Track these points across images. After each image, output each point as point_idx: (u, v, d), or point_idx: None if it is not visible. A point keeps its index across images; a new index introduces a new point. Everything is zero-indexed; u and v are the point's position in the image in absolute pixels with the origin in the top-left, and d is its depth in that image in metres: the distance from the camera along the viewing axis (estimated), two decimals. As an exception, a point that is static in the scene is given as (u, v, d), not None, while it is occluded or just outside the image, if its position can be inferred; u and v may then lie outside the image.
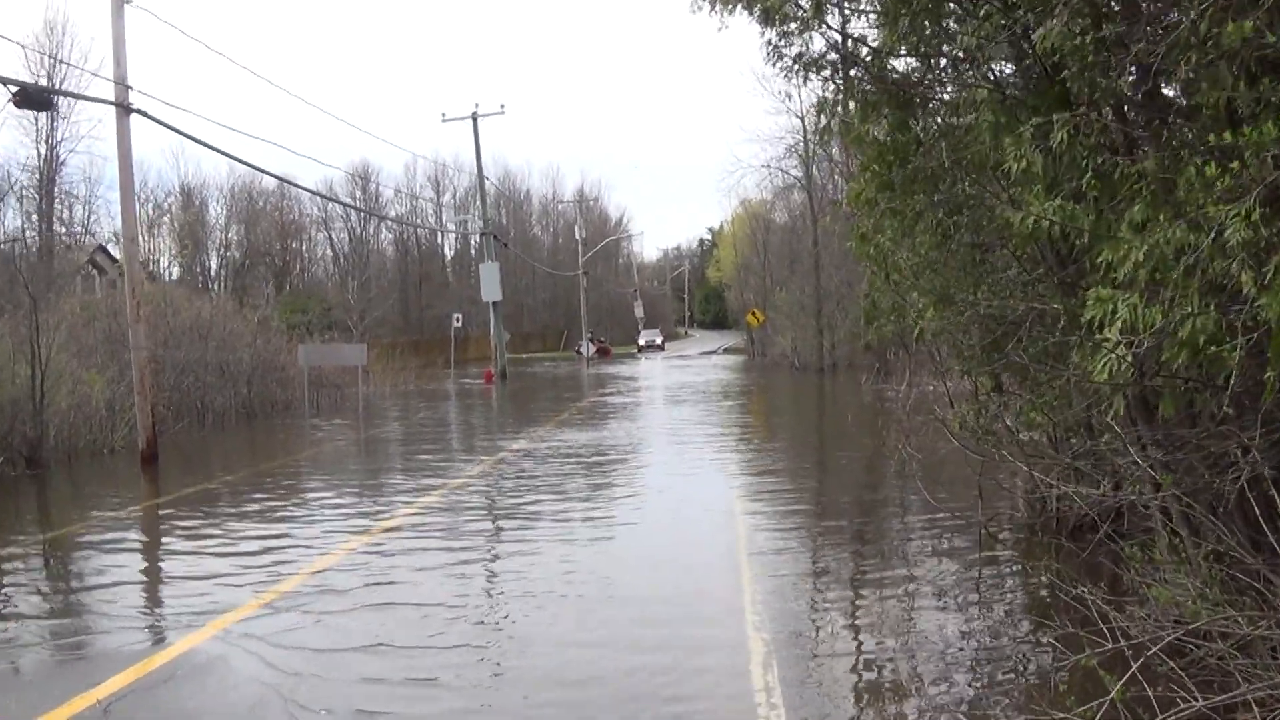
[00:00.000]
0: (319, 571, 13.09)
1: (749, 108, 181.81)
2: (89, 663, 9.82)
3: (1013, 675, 8.71)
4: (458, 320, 63.68)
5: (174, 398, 33.01)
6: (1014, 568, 12.34)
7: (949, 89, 10.90)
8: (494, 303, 62.25)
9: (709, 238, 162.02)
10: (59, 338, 27.63)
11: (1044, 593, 10.77)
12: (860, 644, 9.77)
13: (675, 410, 37.27)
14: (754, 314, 70.81)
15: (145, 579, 13.74)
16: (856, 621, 10.52)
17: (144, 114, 24.82)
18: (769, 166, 62.63)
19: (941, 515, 14.49)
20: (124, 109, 24.45)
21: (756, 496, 18.01)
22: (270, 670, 9.30)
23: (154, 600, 12.54)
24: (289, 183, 71.91)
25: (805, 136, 57.86)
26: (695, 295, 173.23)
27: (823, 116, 12.10)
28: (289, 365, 40.89)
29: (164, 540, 16.41)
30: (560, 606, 11.24)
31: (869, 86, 11.02)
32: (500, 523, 16.64)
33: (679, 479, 20.41)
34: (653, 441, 26.95)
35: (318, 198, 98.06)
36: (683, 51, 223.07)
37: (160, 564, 14.88)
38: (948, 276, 11.68)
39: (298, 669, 9.29)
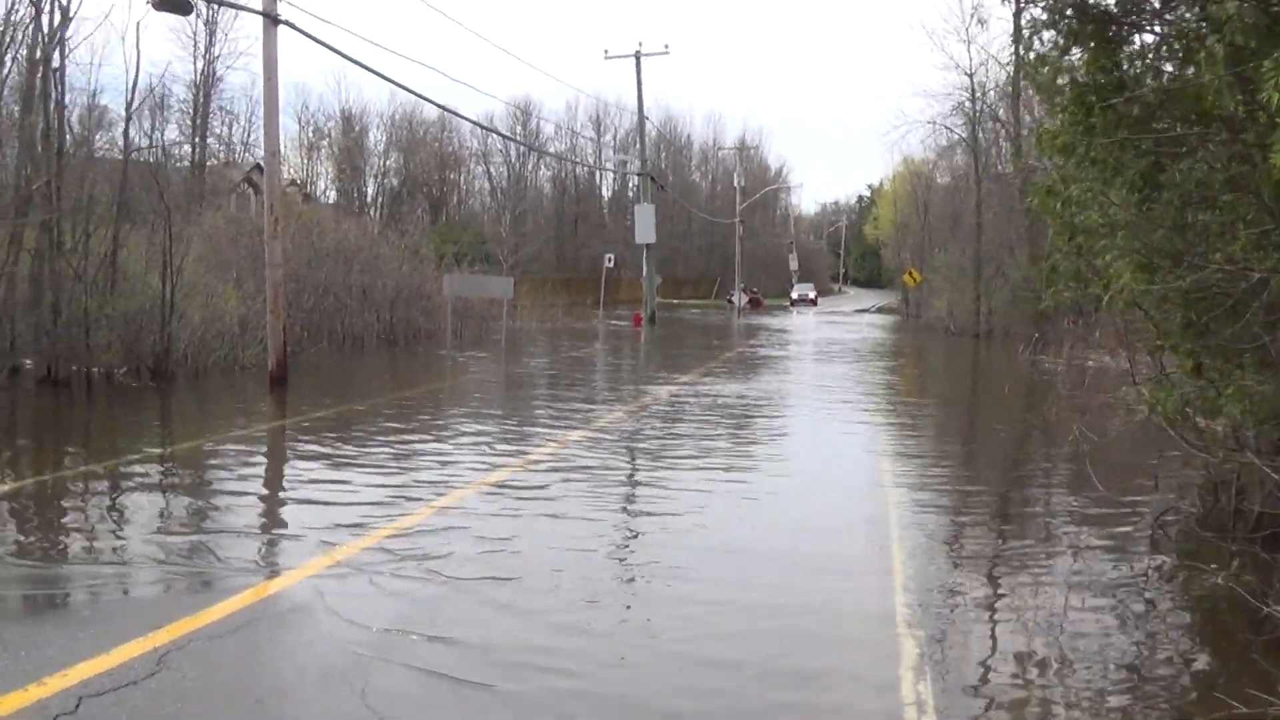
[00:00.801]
0: (443, 510, 11.94)
1: (916, 62, 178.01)
2: (182, 595, 8.90)
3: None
4: (610, 260, 62.46)
5: (312, 319, 32.35)
6: (1191, 570, 10.56)
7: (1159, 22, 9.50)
8: (647, 245, 61.34)
9: (868, 194, 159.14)
10: (196, 250, 26.93)
11: (1224, 605, 9.05)
12: (1013, 643, 8.33)
13: (825, 367, 35.57)
14: (911, 274, 68.70)
15: (258, 505, 12.66)
16: (1012, 616, 9.04)
17: (292, 25, 23.84)
18: (934, 123, 60.30)
19: (1111, 503, 12.75)
20: (271, 19, 23.47)
21: (908, 467, 16.28)
22: (378, 615, 8.34)
23: (264, 529, 11.49)
24: (451, 111, 71.21)
25: (973, 95, 55.58)
26: (851, 252, 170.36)
27: (1020, 49, 10.68)
28: (434, 294, 40.16)
29: (282, 465, 15.58)
30: (699, 562, 10.07)
31: (1070, 14, 9.56)
32: (639, 472, 15.25)
33: (825, 442, 18.89)
34: (801, 398, 25.43)
35: (477, 130, 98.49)
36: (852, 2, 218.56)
37: (277, 483, 14.04)
38: (1151, 238, 10.00)
39: (406, 616, 8.34)
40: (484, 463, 15.05)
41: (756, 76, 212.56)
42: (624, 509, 12.86)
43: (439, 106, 67.96)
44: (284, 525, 11.64)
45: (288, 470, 15.07)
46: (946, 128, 60.20)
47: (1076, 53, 9.96)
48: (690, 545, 10.75)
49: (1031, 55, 10.32)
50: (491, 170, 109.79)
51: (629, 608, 8.80)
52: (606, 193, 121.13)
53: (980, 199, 55.28)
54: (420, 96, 59.79)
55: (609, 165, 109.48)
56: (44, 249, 21.87)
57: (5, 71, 22.48)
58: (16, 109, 23.10)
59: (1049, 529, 12.38)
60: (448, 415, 20.49)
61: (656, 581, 9.52)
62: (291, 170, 79.46)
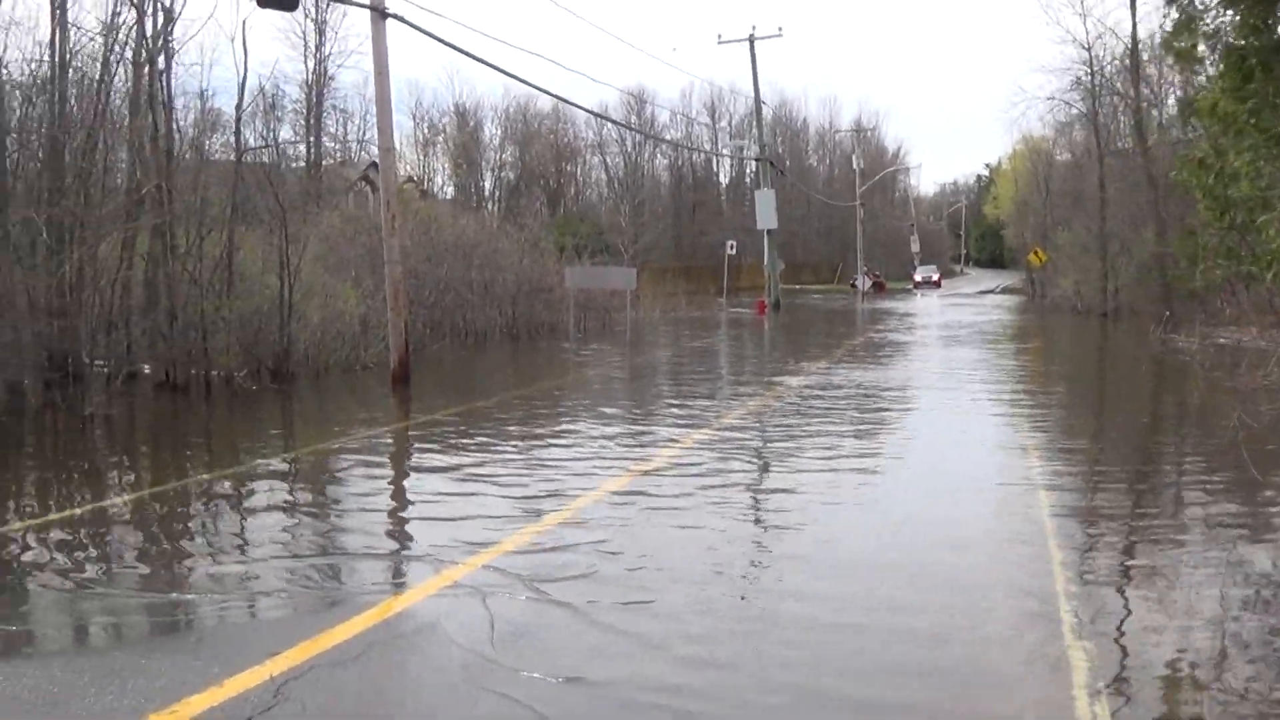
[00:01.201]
0: (570, 521, 10.99)
1: (1033, 37, 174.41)
2: (302, 617, 8.13)
3: None
4: (731, 247, 61.72)
5: (433, 315, 31.78)
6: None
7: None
8: (768, 231, 60.36)
9: (986, 174, 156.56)
10: (313, 250, 26.43)
11: None
12: (1176, 645, 7.43)
13: (955, 351, 34.09)
14: (1036, 253, 67.03)
15: (381, 518, 11.79)
16: (1173, 619, 8.01)
17: (400, 19, 23.11)
18: (1054, 99, 58.51)
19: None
20: (379, 13, 22.77)
21: (1055, 465, 14.78)
22: (506, 644, 7.40)
23: (387, 544, 10.59)
24: (566, 101, 70.82)
25: (1091, 69, 54.01)
26: (971, 232, 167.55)
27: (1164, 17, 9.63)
28: (556, 287, 39.42)
29: (408, 468, 14.87)
30: (839, 582, 8.99)
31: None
32: (768, 477, 14.22)
33: (962, 435, 17.34)
34: (933, 386, 24.07)
35: (592, 121, 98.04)
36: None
37: (400, 494, 13.16)
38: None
39: (532, 642, 7.41)
40: (610, 466, 14.03)
41: (871, 57, 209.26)
42: (754, 519, 11.64)
43: (553, 96, 67.87)
44: (407, 539, 10.77)
45: (410, 478, 14.25)
46: (1065, 103, 58.73)
47: (1227, 14, 8.97)
48: (826, 561, 9.64)
49: (1168, 21, 9.36)
50: (608, 160, 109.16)
51: (767, 635, 7.74)
52: (724, 179, 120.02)
53: (1103, 175, 53.73)
54: (534, 86, 58.86)
55: (725, 151, 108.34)
56: (157, 253, 21.41)
57: (111, 75, 22.08)
58: (125, 113, 22.75)
59: (1203, 522, 11.10)
60: (572, 413, 19.58)
61: (795, 603, 8.40)
62: (407, 167, 79.55)
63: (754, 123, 65.57)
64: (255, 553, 9.87)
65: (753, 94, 62.19)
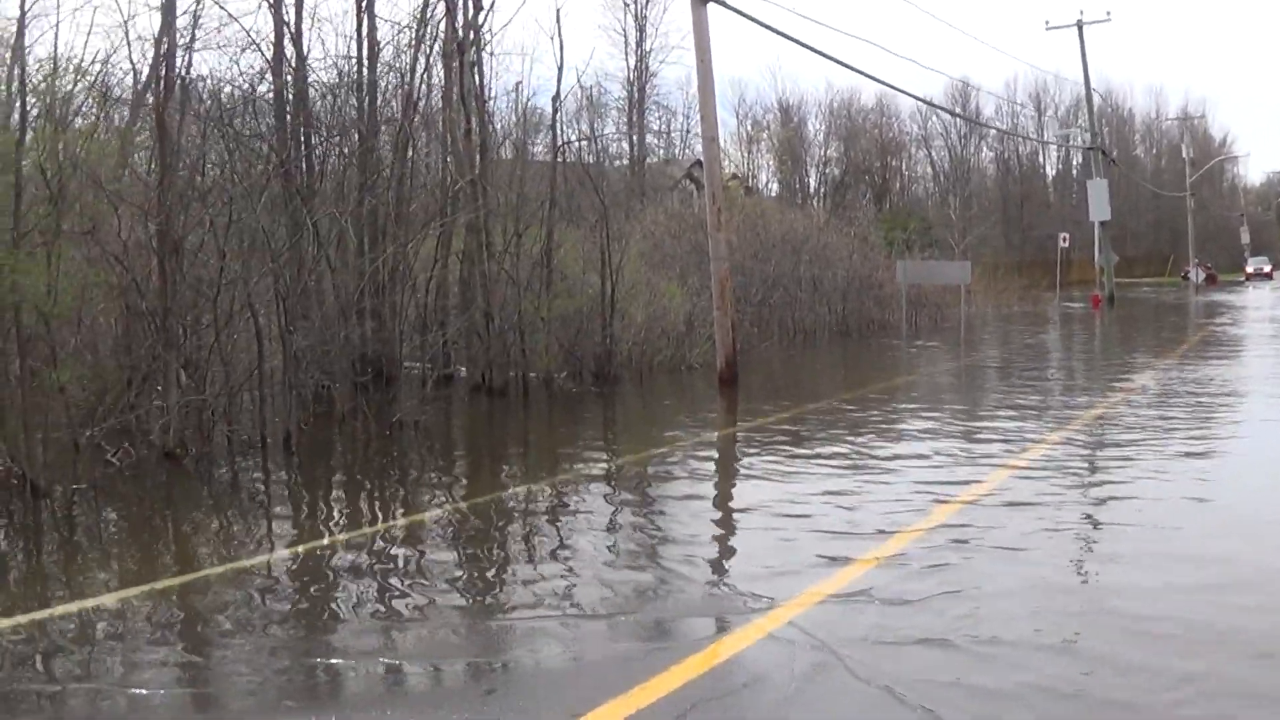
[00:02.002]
0: (919, 539, 9.05)
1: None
2: (637, 648, 6.78)
3: None
4: (1064, 240, 58.42)
5: (760, 313, 30.11)
6: None
7: None
8: (1101, 223, 57.49)
9: None
10: (636, 246, 25.09)
11: None
12: None
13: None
14: None
15: (706, 539, 10.02)
16: None
17: (721, 3, 21.58)
18: None
19: None
20: (698, -2, 21.36)
21: None
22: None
23: (712, 570, 8.81)
24: (892, 86, 68.48)
25: None
26: None
27: None
28: (886, 283, 37.52)
29: (740, 478, 13.16)
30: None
31: None
32: (1127, 485, 11.70)
33: None
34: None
35: (917, 115, 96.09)
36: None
37: (733, 508, 11.41)
38: None
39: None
40: (954, 479, 11.90)
41: (1197, 44, 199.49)
42: (1129, 543, 9.35)
43: (880, 81, 65.28)
44: (731, 563, 9.06)
45: (736, 494, 12.35)
46: None
47: None
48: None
49: None
50: (933, 155, 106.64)
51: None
52: (1050, 171, 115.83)
53: None
54: (859, 71, 56.25)
55: (1058, 140, 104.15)
56: (473, 251, 20.26)
57: (421, 68, 21.15)
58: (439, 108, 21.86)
59: None
60: (908, 417, 17.25)
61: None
62: (732, 164, 78.26)
63: (1081, 112, 62.43)
64: (570, 574, 8.41)
65: (1081, 82, 59.62)
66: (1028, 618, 6.99)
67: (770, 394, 21.21)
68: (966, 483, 11.45)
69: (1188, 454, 13.21)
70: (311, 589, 8.26)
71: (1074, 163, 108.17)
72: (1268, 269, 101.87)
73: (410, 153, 21.13)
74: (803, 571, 8.11)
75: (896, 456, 13.51)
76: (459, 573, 8.61)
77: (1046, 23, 58.87)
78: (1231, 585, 7.67)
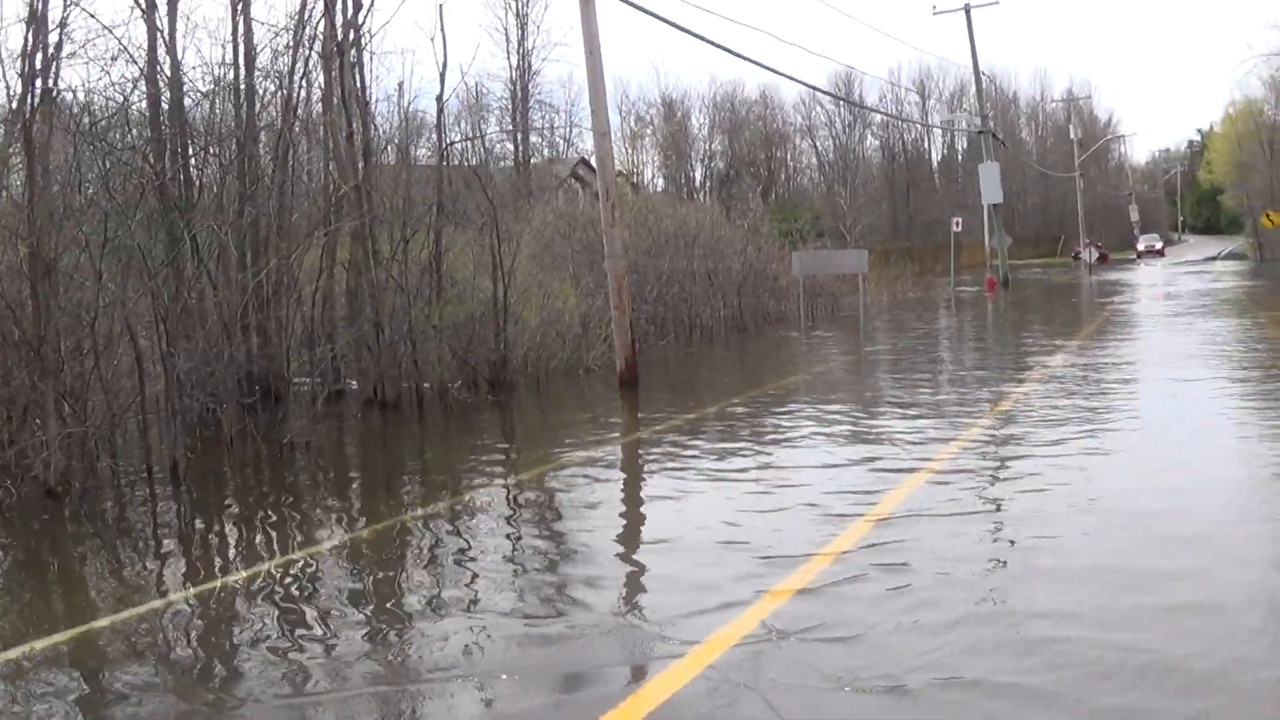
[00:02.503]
0: (839, 559, 8.62)
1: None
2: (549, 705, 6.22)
3: None
4: (957, 225, 58.60)
5: (656, 311, 29.66)
6: None
7: None
8: (994, 205, 58.34)
9: (1198, 139, 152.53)
10: (527, 248, 24.54)
11: None
12: None
13: (1217, 322, 30.66)
14: (1269, 217, 63.74)
15: (624, 560, 9.55)
16: None
17: (606, -10, 21.23)
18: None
19: None
20: (582, -14, 20.96)
21: None
22: None
23: (639, 593, 8.45)
24: (777, 72, 68.29)
25: None
26: (1185, 199, 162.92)
27: None
28: (780, 275, 37.28)
29: (648, 494, 12.59)
30: None
31: None
32: (1062, 488, 11.51)
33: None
34: (1213, 359, 21.40)
35: (800, 106, 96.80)
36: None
37: (644, 533, 10.81)
38: None
39: None
40: (877, 483, 11.48)
41: (1079, 28, 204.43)
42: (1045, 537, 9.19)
43: (766, 68, 65.46)
44: (646, 600, 8.35)
45: (648, 511, 11.77)
46: None
47: None
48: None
49: None
50: (818, 145, 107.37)
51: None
52: (935, 157, 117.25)
53: None
54: (744, 58, 55.48)
55: (945, 124, 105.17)
56: (359, 260, 19.59)
57: (300, 71, 20.40)
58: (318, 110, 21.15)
59: None
60: (820, 417, 16.75)
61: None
62: (617, 162, 78.01)
63: (966, 96, 63.01)
64: (471, 609, 7.87)
65: (969, 65, 61.22)
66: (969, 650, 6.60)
67: (672, 396, 20.82)
68: (881, 490, 11.06)
69: (1097, 451, 13.03)
70: (209, 639, 7.69)
71: (959, 148, 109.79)
72: (1159, 246, 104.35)
73: (291, 159, 20.38)
74: (718, 608, 7.55)
75: (805, 466, 12.92)
76: (358, 619, 7.98)
77: (934, 7, 59.26)
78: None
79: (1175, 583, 7.62)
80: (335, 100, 20.20)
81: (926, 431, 14.59)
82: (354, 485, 14.01)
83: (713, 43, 26.35)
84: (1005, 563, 8.46)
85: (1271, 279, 53.85)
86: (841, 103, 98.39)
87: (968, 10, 57.57)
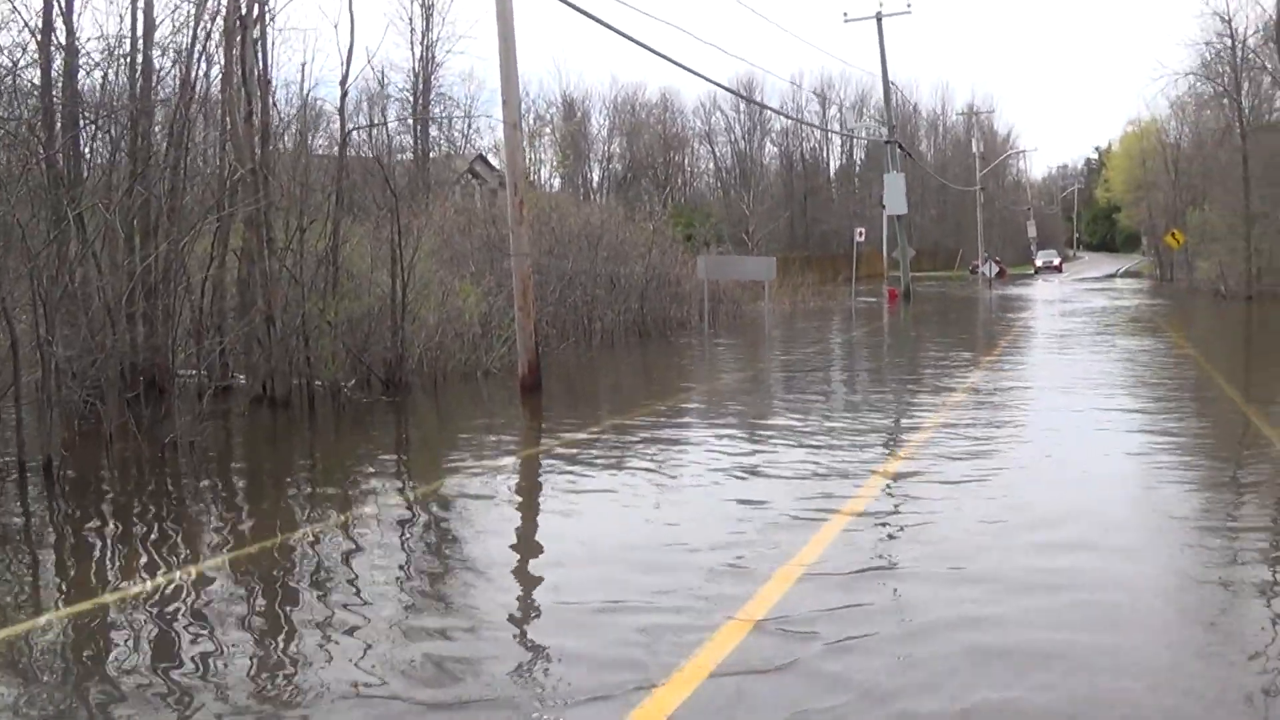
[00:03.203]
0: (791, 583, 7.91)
1: (1159, 12, 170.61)
2: None
3: None
4: (861, 235, 58.49)
5: (558, 313, 28.87)
6: None
7: None
8: (898, 216, 58.37)
9: (1095, 157, 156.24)
10: (427, 243, 23.67)
11: None
12: None
13: (1131, 340, 30.50)
14: (1174, 235, 64.83)
15: (533, 592, 8.65)
16: None
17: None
18: (1191, 75, 56.18)
19: None
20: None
21: None
22: None
23: (546, 636, 7.50)
24: (684, 67, 68.07)
25: (1233, 42, 52.11)
26: (1082, 216, 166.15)
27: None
28: (684, 279, 36.67)
29: (550, 510, 11.66)
30: None
31: None
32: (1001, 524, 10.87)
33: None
34: (1140, 379, 21.26)
35: (700, 111, 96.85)
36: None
37: (549, 559, 9.65)
38: None
39: None
40: (807, 510, 10.51)
41: (981, 43, 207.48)
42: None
43: (675, 63, 65.41)
44: (553, 645, 7.36)
45: (554, 533, 10.58)
46: (1205, 79, 57.00)
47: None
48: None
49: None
50: (717, 150, 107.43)
51: None
52: (833, 166, 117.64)
53: (1246, 151, 51.92)
54: (648, 48, 54.89)
55: (850, 132, 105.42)
56: (253, 248, 18.63)
57: (200, 46, 19.43)
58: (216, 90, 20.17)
59: None
60: (725, 439, 15.38)
61: None
62: (516, 159, 77.32)
63: (868, 106, 63.29)
64: (360, 656, 6.88)
65: (871, 73, 62.07)
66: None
67: (575, 404, 20.13)
68: (821, 516, 10.29)
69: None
70: (80, 665, 6.83)
71: (858, 158, 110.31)
72: (1056, 262, 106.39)
73: (187, 139, 19.38)
74: (622, 664, 6.62)
75: (721, 487, 11.96)
76: (243, 662, 7.07)
77: (845, 14, 59.62)
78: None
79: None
80: (235, 78, 19.23)
81: (847, 461, 13.74)
82: (238, 496, 12.84)
83: (618, 30, 25.47)
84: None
85: (1176, 298, 54.59)
86: (741, 109, 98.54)
87: (879, 18, 57.85)
